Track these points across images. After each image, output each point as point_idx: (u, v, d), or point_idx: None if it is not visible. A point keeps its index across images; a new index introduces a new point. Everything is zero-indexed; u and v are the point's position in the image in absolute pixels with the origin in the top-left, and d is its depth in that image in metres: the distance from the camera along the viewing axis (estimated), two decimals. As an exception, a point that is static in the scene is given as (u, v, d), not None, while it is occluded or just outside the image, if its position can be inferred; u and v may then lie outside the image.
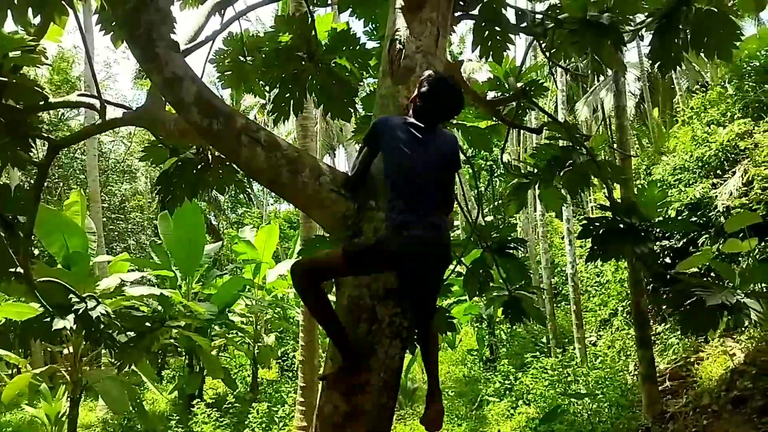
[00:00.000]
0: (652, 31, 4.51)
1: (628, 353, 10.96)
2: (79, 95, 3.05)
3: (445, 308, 5.41)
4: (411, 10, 2.50)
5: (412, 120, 2.27)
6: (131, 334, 4.69)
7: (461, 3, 3.70)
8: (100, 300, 3.99)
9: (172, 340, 12.58)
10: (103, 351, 10.89)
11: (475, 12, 4.00)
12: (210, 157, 4.44)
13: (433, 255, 2.18)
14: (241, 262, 16.40)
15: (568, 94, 17.60)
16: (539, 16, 4.42)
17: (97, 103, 2.83)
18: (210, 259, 15.21)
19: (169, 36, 2.14)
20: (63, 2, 2.95)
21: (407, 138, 2.22)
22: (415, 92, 2.30)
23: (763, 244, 7.71)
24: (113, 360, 9.79)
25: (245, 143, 2.18)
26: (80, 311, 4.00)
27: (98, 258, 12.31)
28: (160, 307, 11.94)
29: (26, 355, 14.41)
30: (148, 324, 4.29)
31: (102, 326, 3.89)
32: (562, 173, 4.87)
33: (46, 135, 3.27)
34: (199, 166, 4.40)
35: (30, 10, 2.91)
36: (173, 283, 13.75)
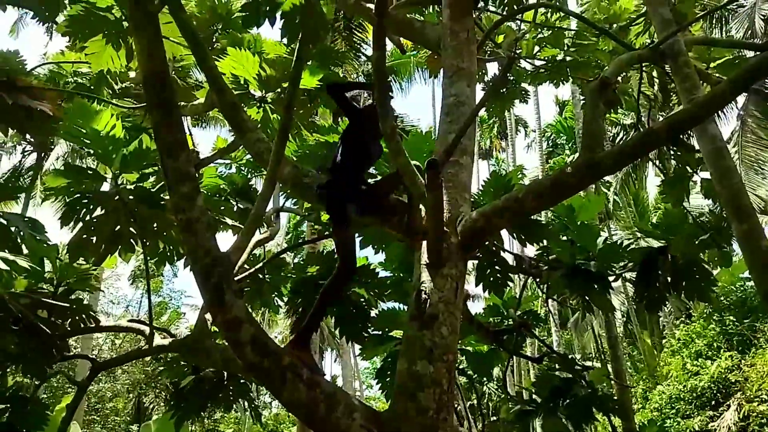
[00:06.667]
0: (635, 274, 5.09)
1: None
2: (129, 321, 3.37)
3: None
4: (434, 267, 2.98)
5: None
6: None
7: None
8: None
9: None
10: None
11: (479, 254, 4.58)
12: (225, 375, 4.64)
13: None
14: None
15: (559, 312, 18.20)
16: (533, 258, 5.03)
17: (146, 329, 3.13)
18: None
19: (235, 283, 2.54)
20: (132, 241, 3.43)
21: None
22: None
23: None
24: None
25: (290, 379, 2.44)
26: None
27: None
28: None
29: None
30: None
31: None
32: (564, 404, 5.03)
33: (90, 356, 3.50)
34: (213, 384, 4.57)
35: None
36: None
